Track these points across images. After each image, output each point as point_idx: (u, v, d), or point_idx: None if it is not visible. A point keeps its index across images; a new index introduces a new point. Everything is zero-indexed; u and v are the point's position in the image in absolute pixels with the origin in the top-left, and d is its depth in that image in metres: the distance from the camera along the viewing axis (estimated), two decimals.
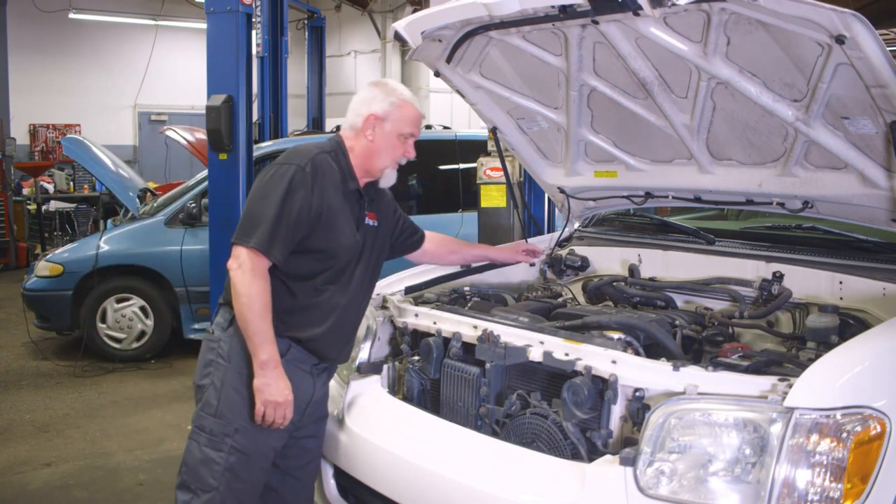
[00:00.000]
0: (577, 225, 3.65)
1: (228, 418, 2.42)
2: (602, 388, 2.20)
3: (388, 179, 2.63)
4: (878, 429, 1.87)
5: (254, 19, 6.18)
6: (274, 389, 2.36)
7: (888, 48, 2.11)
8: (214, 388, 2.45)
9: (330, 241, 2.48)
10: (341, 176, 2.53)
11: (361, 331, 2.91)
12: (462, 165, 7.03)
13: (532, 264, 3.40)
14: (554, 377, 2.37)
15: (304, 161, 2.45)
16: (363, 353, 2.88)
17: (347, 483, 2.67)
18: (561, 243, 3.52)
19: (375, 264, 2.70)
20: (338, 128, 9.21)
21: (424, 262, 3.15)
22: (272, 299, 2.40)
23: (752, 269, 2.84)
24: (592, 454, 2.19)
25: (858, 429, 1.84)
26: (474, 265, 3.28)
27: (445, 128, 8.32)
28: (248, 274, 2.35)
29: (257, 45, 8.54)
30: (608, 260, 3.35)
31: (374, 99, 2.54)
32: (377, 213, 2.69)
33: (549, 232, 4.48)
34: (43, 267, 6.63)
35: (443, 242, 3.12)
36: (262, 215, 2.38)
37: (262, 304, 2.35)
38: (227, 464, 2.41)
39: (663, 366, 2.11)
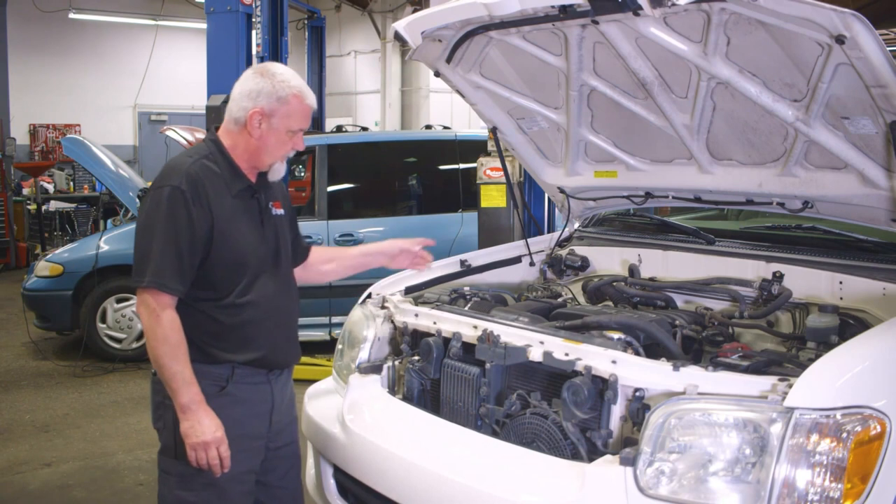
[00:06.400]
0: (577, 225, 3.65)
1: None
2: (602, 388, 2.19)
3: (277, 173, 2.44)
4: (878, 429, 1.87)
5: (254, 19, 6.18)
6: (199, 430, 2.22)
7: (888, 48, 2.11)
8: (168, 429, 2.34)
9: (232, 249, 2.30)
10: (225, 178, 2.33)
11: (361, 331, 2.91)
12: (462, 165, 7.02)
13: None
14: (554, 377, 2.37)
15: (177, 179, 2.25)
16: (363, 353, 2.88)
17: (347, 483, 2.67)
18: (561, 243, 3.52)
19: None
20: (338, 128, 9.10)
21: (308, 279, 2.76)
22: (197, 329, 2.26)
23: (752, 269, 2.84)
24: (592, 454, 2.19)
25: (858, 429, 1.84)
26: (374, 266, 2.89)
27: (445, 128, 8.31)
28: (151, 317, 2.19)
29: (257, 45, 8.51)
30: (608, 260, 3.35)
31: (261, 93, 2.33)
32: (280, 201, 2.52)
33: (549, 232, 4.47)
34: (43, 267, 6.63)
35: (318, 251, 2.79)
36: (148, 249, 2.21)
37: (173, 346, 2.19)
38: (202, 500, 2.34)
39: (663, 366, 2.11)
